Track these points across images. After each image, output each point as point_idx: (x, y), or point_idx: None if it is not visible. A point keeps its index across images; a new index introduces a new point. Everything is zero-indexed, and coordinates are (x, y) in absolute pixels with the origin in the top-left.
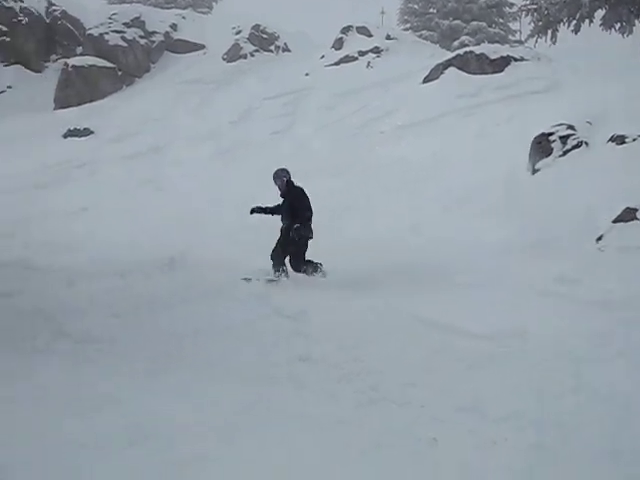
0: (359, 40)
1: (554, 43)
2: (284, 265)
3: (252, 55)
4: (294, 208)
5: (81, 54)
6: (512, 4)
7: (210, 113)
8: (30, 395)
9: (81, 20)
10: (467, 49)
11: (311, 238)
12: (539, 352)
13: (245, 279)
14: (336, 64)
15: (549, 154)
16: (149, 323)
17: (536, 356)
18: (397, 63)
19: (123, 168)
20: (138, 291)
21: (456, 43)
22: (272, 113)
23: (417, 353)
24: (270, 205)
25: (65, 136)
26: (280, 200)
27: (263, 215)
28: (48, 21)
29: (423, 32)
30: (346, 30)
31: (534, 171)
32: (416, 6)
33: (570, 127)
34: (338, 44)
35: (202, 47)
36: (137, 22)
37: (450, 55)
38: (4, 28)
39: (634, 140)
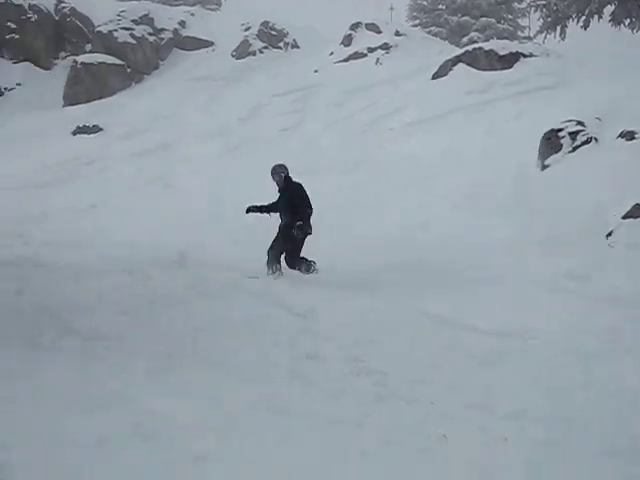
0: (368, 36)
1: (563, 39)
2: (279, 262)
3: (261, 52)
4: (293, 204)
5: (90, 51)
6: (521, 0)
7: (219, 110)
8: (35, 393)
9: (90, 17)
10: (476, 45)
11: (310, 234)
12: (548, 348)
13: (252, 277)
14: (345, 61)
15: (558, 150)
16: (156, 321)
17: (545, 352)
18: (406, 59)
19: (132, 165)
20: (145, 289)
21: (465, 39)
22: (281, 110)
23: (426, 350)
24: (265, 203)
25: (74, 133)
26: (276, 197)
27: (259, 214)
28: (57, 18)
29: (432, 28)
30: (355, 26)
31: (543, 167)
32: (425, 2)
33: (579, 123)
34: (347, 40)
35: (211, 44)
36: (146, 19)
37: (459, 51)
38: (13, 25)
39: None
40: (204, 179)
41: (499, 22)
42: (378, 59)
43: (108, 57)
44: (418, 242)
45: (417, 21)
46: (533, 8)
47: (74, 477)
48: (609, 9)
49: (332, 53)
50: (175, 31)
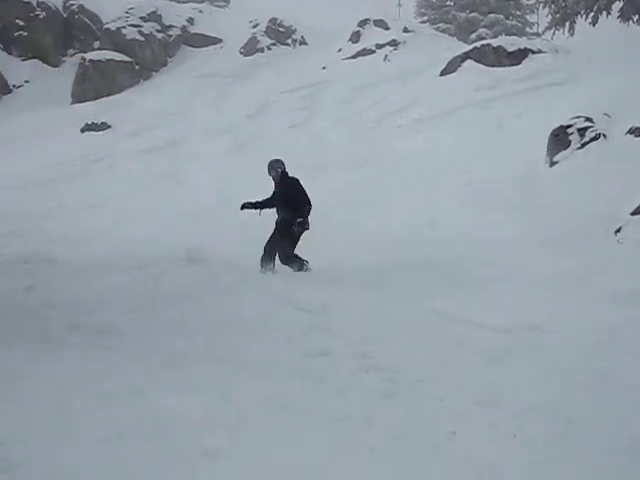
0: (376, 33)
1: (572, 35)
2: (274, 260)
3: (269, 49)
4: (290, 200)
5: (98, 48)
6: None
7: (227, 107)
8: (45, 389)
9: (98, 14)
10: (484, 42)
11: (307, 229)
12: (556, 346)
13: (263, 271)
14: (353, 57)
15: (567, 147)
16: (166, 317)
17: (553, 350)
18: (414, 56)
19: (140, 162)
20: (155, 285)
21: (473, 36)
22: (289, 107)
23: (434, 346)
24: (260, 199)
25: (82, 130)
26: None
27: (253, 211)
28: (65, 15)
29: (440, 25)
30: (363, 23)
31: (552, 164)
32: None
33: (588, 119)
34: (355, 37)
35: (219, 41)
36: (154, 16)
37: (467, 48)
38: (21, 23)
39: None
40: (212, 176)
41: (507, 18)
42: (386, 56)
43: (116, 54)
44: (426, 239)
45: (425, 17)
46: (542, 4)
47: (81, 475)
48: (617, 5)
49: (340, 50)
50: (183, 28)
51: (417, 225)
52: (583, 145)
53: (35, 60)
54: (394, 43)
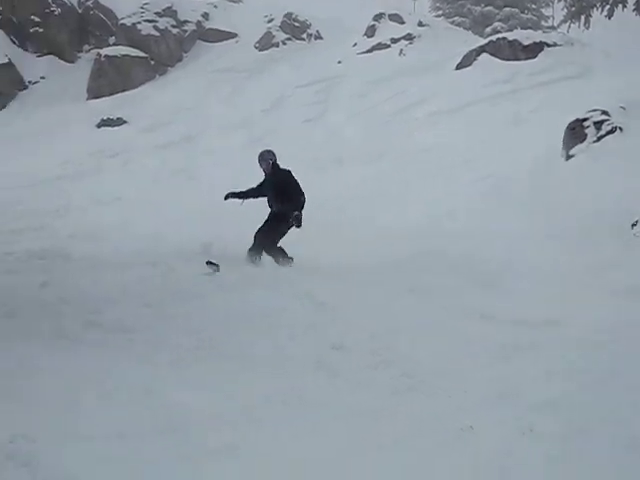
0: (391, 27)
1: (587, 28)
2: (262, 252)
3: (284, 43)
4: (283, 192)
5: (114, 44)
6: None
7: (242, 102)
8: (58, 386)
9: (113, 10)
10: (500, 35)
11: (300, 227)
12: (571, 341)
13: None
14: (368, 51)
15: (583, 140)
16: (181, 312)
17: (570, 344)
18: (429, 50)
19: (156, 158)
20: (168, 281)
21: (489, 29)
22: (304, 101)
23: (448, 341)
24: (244, 189)
25: (98, 126)
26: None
27: (237, 200)
28: (80, 11)
29: (455, 19)
30: (378, 17)
31: (568, 157)
32: None
33: (604, 113)
34: (370, 31)
35: (234, 36)
36: (169, 11)
37: (483, 41)
38: (37, 19)
39: None
40: (227, 171)
41: (523, 12)
42: (401, 50)
43: (132, 50)
44: (443, 233)
45: (440, 11)
46: None
47: (91, 472)
48: None
49: (355, 44)
50: (198, 23)
51: (433, 219)
52: (599, 138)
53: (51, 56)
54: (409, 37)
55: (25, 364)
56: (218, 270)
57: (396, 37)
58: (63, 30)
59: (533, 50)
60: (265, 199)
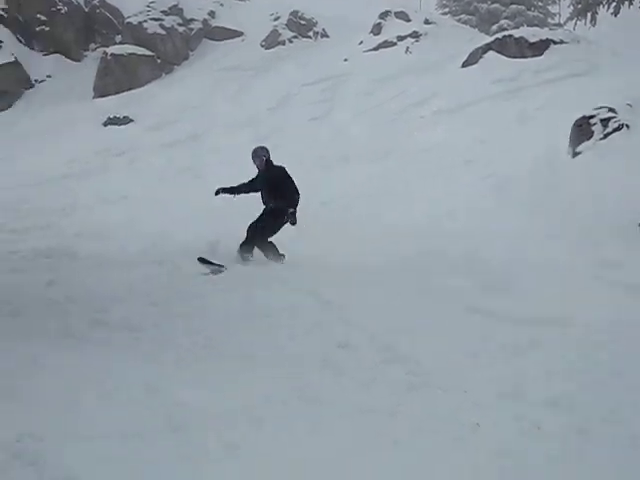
0: (397, 25)
1: (594, 25)
2: (254, 247)
3: (290, 41)
4: (278, 189)
5: (120, 43)
6: None
7: (248, 100)
8: (63, 384)
9: (119, 9)
10: (506, 33)
11: (294, 224)
12: (581, 338)
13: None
14: (375, 49)
15: (590, 137)
16: (187, 311)
17: (579, 342)
18: (436, 48)
19: (162, 156)
20: (175, 280)
21: (495, 27)
22: (310, 99)
23: (458, 338)
24: (235, 184)
25: (105, 124)
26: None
27: (228, 195)
28: (87, 10)
29: (462, 16)
30: (384, 15)
31: (575, 154)
32: None
33: (611, 110)
34: (376, 29)
35: (240, 34)
36: (175, 10)
37: (489, 39)
38: (43, 17)
39: None
40: (234, 169)
41: (529, 9)
42: (408, 48)
43: (138, 48)
44: (447, 232)
45: (447, 9)
46: None
47: (97, 471)
48: None
49: (361, 42)
50: (204, 21)
51: (438, 218)
52: (606, 135)
53: (57, 55)
54: (415, 35)
55: (31, 363)
56: (225, 269)
57: (402, 35)
58: (69, 29)
59: (539, 47)
60: (258, 195)
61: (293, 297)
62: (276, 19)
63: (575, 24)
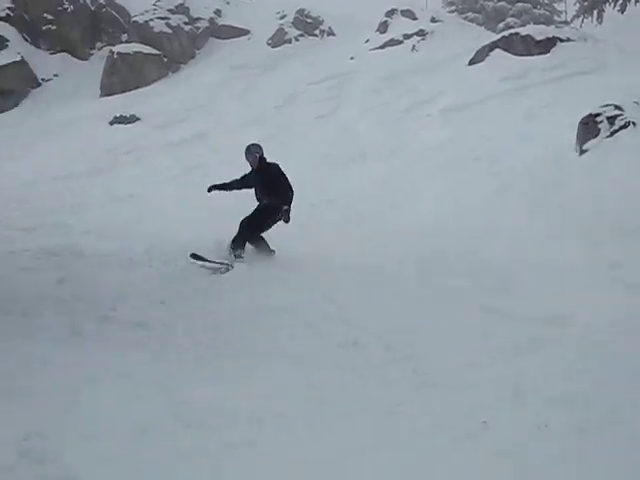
0: (404, 23)
1: (600, 23)
2: (246, 243)
3: (297, 40)
4: (270, 186)
5: (126, 41)
6: None
7: (255, 98)
8: (72, 383)
9: (126, 7)
10: (512, 31)
11: (287, 222)
12: (587, 336)
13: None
14: (381, 47)
15: (596, 135)
16: (195, 309)
17: (584, 340)
18: (442, 46)
19: (169, 155)
20: (183, 278)
21: (501, 25)
22: (317, 97)
23: (463, 337)
24: (227, 181)
25: (111, 123)
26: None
27: (223, 192)
28: (93, 9)
29: (468, 14)
30: (391, 13)
31: (581, 152)
32: None
33: (618, 107)
34: (383, 27)
35: (247, 32)
36: (181, 8)
37: (496, 37)
38: (50, 16)
39: None
40: (240, 168)
41: (535, 7)
42: (414, 46)
43: (144, 47)
44: (452, 230)
45: (453, 7)
46: None
47: (106, 469)
48: None
49: (368, 40)
50: (211, 20)
51: (444, 215)
52: (612, 133)
53: (64, 54)
54: (422, 33)
55: (37, 361)
56: (232, 267)
57: (409, 33)
58: (76, 27)
59: (546, 45)
60: (251, 192)
61: (296, 296)
62: (282, 17)
63: (582, 22)
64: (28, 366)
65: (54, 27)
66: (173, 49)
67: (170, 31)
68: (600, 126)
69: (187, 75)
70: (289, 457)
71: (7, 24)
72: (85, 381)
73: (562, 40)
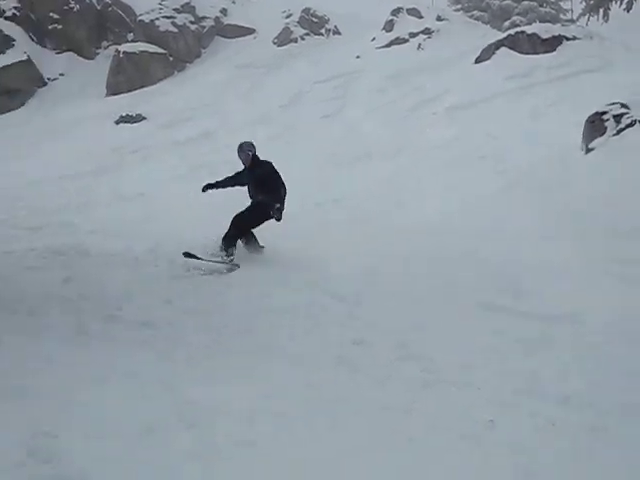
0: (410, 22)
1: (606, 21)
2: (238, 240)
3: (302, 39)
4: (263, 184)
5: (132, 40)
6: None
7: (260, 97)
8: (78, 382)
9: (132, 6)
10: (518, 29)
11: (279, 220)
12: (597, 334)
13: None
14: (387, 46)
15: (603, 133)
16: (200, 309)
17: (594, 338)
18: (448, 44)
19: (175, 154)
20: (188, 277)
21: (507, 23)
22: (322, 96)
23: (473, 335)
24: (220, 179)
25: (117, 122)
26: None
27: (217, 190)
28: (99, 8)
29: (474, 13)
30: (396, 12)
31: (587, 150)
32: None
33: (624, 106)
34: (389, 26)
35: (252, 31)
36: (187, 7)
37: (501, 35)
38: (56, 16)
39: None
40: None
41: (541, 5)
42: (420, 44)
43: (150, 46)
44: (459, 228)
45: (459, 5)
46: None
47: (111, 468)
48: None
49: (374, 39)
50: (216, 19)
51: (450, 214)
52: (619, 132)
53: (70, 53)
54: (428, 32)
55: (44, 361)
56: (238, 266)
57: (414, 32)
58: (82, 27)
59: (552, 44)
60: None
61: (304, 295)
62: (288, 16)
63: (588, 20)
64: (34, 365)
65: (60, 26)
66: (179, 48)
67: (176, 30)
68: (606, 124)
69: (193, 74)
70: (289, 457)
71: (13, 23)
72: (91, 380)
73: (568, 38)
